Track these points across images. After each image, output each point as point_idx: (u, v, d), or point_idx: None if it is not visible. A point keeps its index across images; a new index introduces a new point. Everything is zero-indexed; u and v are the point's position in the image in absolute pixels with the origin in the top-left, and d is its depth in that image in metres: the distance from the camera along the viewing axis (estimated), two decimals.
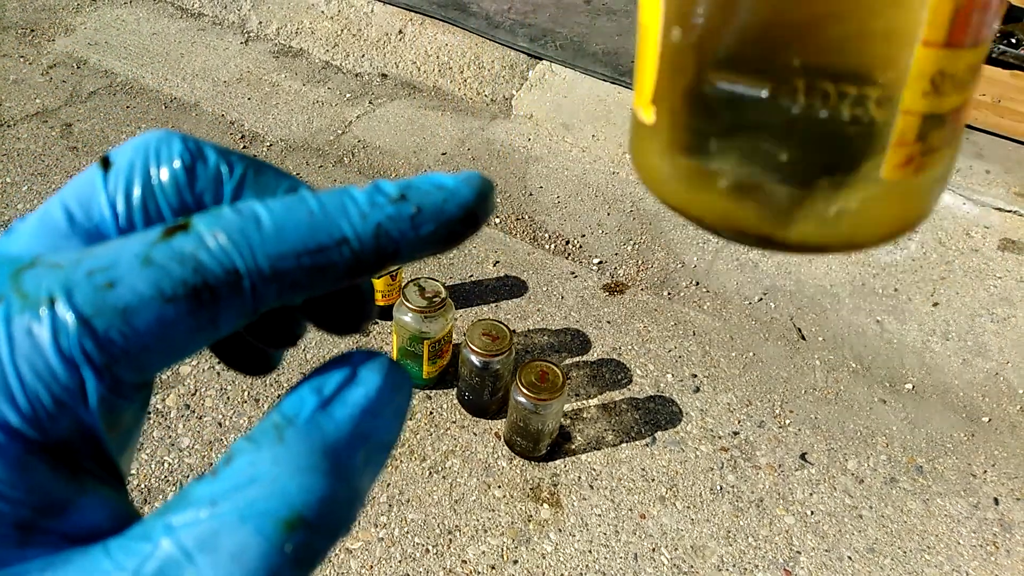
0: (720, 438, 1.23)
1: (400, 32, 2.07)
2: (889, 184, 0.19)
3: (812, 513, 1.15)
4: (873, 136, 0.18)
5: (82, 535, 0.13)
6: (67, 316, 0.13)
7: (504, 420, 1.17)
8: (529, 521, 1.09)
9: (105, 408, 0.13)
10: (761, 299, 1.49)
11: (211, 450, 1.12)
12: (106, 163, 0.16)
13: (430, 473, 1.13)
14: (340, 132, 1.82)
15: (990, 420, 1.31)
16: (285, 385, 1.21)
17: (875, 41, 0.17)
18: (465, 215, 0.16)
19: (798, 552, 1.10)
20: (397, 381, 0.15)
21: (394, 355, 1.22)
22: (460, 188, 0.16)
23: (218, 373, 1.22)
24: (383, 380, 0.15)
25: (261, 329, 0.19)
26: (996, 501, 1.19)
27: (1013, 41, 1.78)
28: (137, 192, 0.16)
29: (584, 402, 1.25)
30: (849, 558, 1.10)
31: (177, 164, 0.16)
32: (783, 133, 0.18)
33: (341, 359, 0.16)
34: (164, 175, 0.16)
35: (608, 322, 1.40)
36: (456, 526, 1.07)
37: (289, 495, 0.13)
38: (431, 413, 1.21)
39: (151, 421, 1.15)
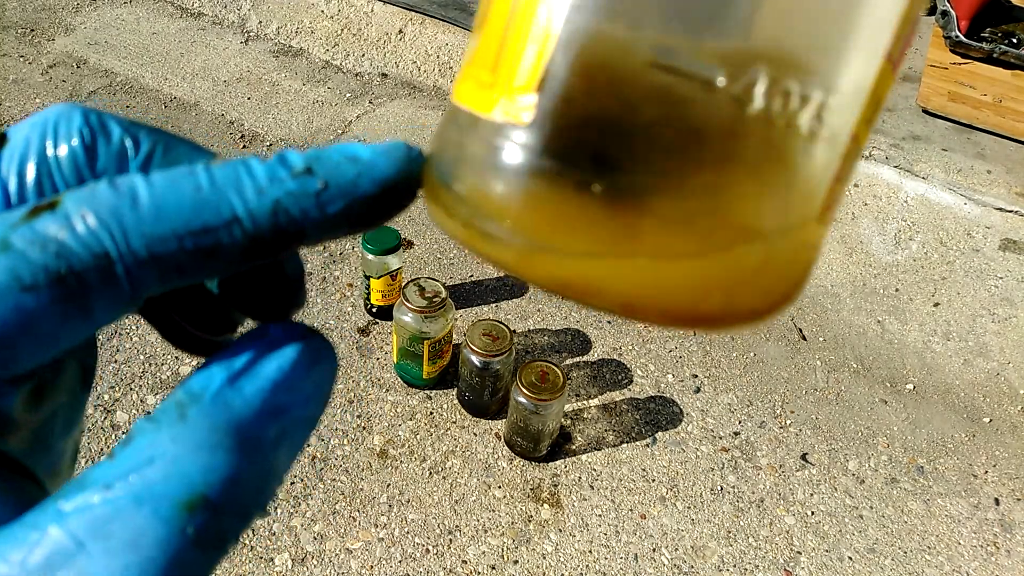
0: (721, 438, 1.23)
1: (400, 32, 2.07)
2: (807, 232, 0.15)
3: (813, 513, 1.14)
4: (826, 160, 0.15)
5: None
6: None
7: (504, 420, 1.17)
8: (529, 521, 1.09)
9: None
10: None
11: None
12: (2, 140, 0.15)
13: (430, 473, 1.13)
14: (340, 132, 1.82)
15: (991, 420, 1.31)
16: None
17: (854, 39, 0.14)
18: (382, 192, 0.14)
19: (799, 552, 1.10)
20: (317, 353, 0.14)
21: (394, 355, 1.22)
22: (377, 161, 0.14)
23: None
24: (300, 352, 0.14)
25: (194, 315, 0.18)
26: (997, 502, 1.19)
27: (1014, 41, 1.78)
28: (31, 171, 0.14)
29: (584, 402, 1.25)
30: (850, 558, 1.10)
31: (75, 141, 0.15)
32: (729, 141, 0.14)
33: (256, 332, 0.14)
34: (62, 152, 0.15)
35: (608, 322, 1.40)
36: (456, 526, 1.07)
37: (189, 475, 0.12)
38: (431, 413, 1.21)
39: None
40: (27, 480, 0.14)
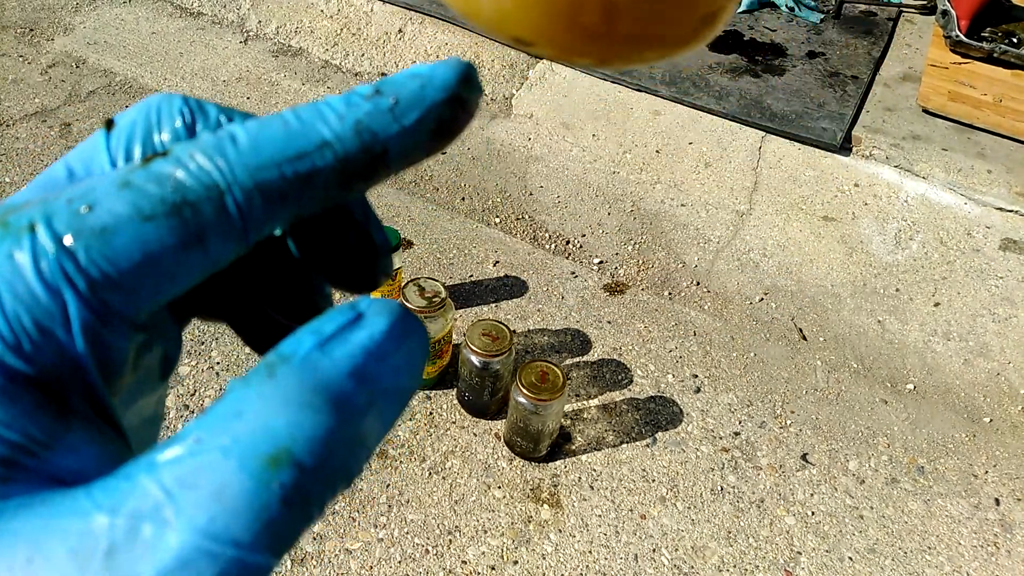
0: (721, 438, 1.23)
1: (400, 31, 2.07)
2: None
3: (813, 514, 1.14)
4: None
5: (68, 477, 0.13)
6: (46, 240, 0.13)
7: (504, 421, 1.17)
8: (529, 522, 1.09)
9: (92, 337, 0.13)
10: (762, 299, 1.48)
11: None
12: (110, 124, 0.16)
13: (430, 474, 1.13)
14: None
15: (991, 420, 1.31)
16: None
17: None
18: (449, 97, 0.16)
19: (799, 553, 1.09)
20: (408, 328, 0.15)
21: None
22: (437, 71, 0.16)
23: (217, 373, 1.22)
24: (390, 324, 0.14)
25: (282, 302, 0.19)
26: (997, 502, 1.19)
27: (1014, 40, 1.78)
28: (138, 149, 0.16)
29: (584, 402, 1.25)
30: (850, 559, 1.09)
31: (178, 121, 0.16)
32: None
33: (346, 306, 0.15)
34: (165, 132, 0.16)
35: (608, 322, 1.40)
36: (456, 527, 1.07)
37: (274, 429, 0.12)
38: (431, 413, 1.21)
39: None
40: (121, 438, 0.15)
